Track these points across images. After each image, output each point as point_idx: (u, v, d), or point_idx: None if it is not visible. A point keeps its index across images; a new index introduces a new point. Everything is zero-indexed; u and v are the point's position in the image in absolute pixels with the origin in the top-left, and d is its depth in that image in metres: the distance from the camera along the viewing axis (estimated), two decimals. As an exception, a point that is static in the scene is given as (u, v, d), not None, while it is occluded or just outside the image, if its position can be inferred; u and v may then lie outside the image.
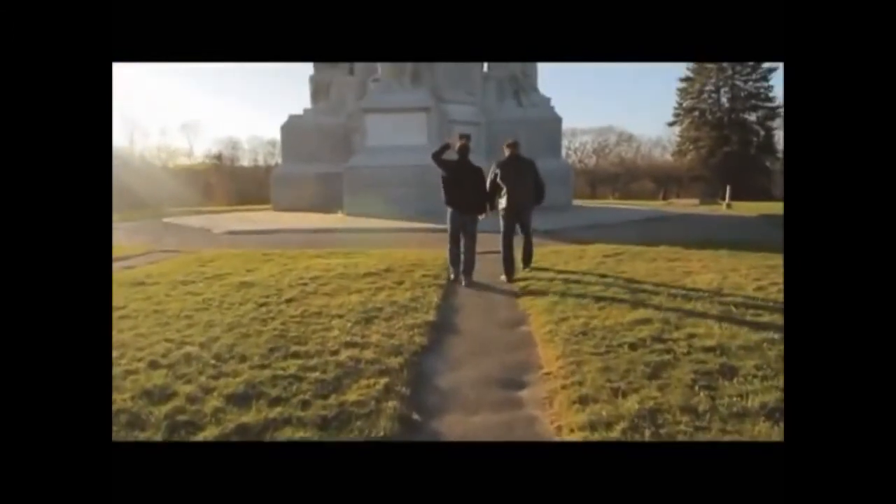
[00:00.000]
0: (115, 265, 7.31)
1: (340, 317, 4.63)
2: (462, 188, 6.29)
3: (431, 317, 4.68)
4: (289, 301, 5.20)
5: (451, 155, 6.46)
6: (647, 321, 4.33)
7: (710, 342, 3.78)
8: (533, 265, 6.95)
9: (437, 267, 6.97)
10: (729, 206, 20.73)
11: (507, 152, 6.74)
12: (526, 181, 6.66)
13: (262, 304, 5.09)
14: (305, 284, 5.93)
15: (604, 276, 6.35)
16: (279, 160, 22.17)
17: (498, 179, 6.56)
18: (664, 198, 36.09)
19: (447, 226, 6.52)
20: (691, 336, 3.95)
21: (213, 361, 3.59)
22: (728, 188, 22.03)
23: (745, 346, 3.72)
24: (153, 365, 3.52)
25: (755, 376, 3.20)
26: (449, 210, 6.44)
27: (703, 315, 4.52)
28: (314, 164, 17.94)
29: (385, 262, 7.23)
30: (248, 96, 71.39)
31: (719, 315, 4.50)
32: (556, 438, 2.73)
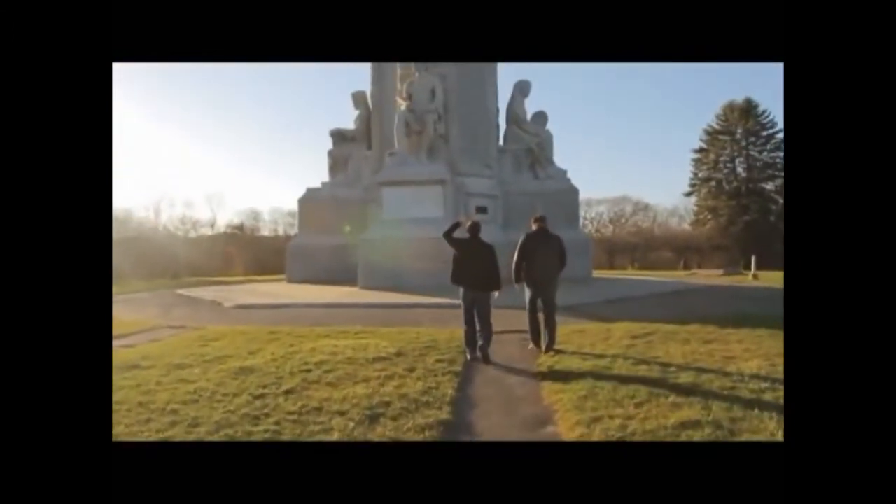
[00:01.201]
0: (115, 343, 6.95)
1: (342, 414, 4.09)
2: (474, 266, 6.24)
3: (445, 414, 4.12)
4: (287, 393, 4.70)
5: (462, 233, 6.51)
6: (695, 424, 3.70)
7: (777, 456, 3.17)
8: (557, 347, 6.44)
9: (452, 349, 6.45)
10: (755, 276, 20.02)
11: (534, 226, 6.80)
12: (552, 255, 6.66)
13: (257, 396, 4.60)
14: (309, 371, 5.45)
15: (636, 361, 5.76)
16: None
17: (524, 251, 6.53)
18: (685, 267, 35.37)
19: (461, 305, 6.39)
20: (752, 446, 3.34)
21: (189, 475, 3.08)
22: (753, 258, 21.35)
23: (820, 460, 3.10)
24: (119, 480, 3.02)
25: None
26: (461, 289, 6.34)
27: (760, 413, 3.90)
28: (330, 236, 17.85)
29: (397, 344, 6.74)
30: (270, 169, 73.90)
31: (778, 415, 3.88)
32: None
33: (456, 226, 6.57)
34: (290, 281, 17.99)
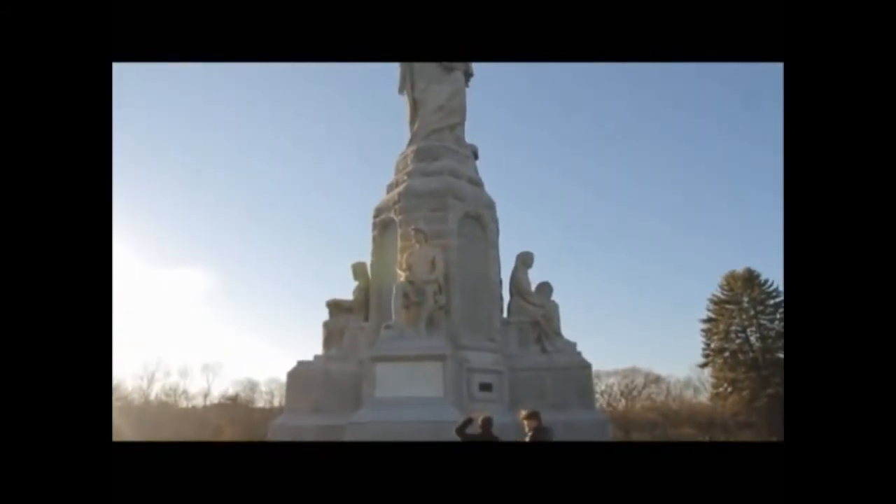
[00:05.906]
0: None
1: None
2: None
3: None
4: None
5: (475, 428, 6.40)
6: None
7: None
8: None
9: None
10: (800, 465, 17.55)
11: (527, 426, 6.31)
12: None
13: None
14: None
15: None
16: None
17: None
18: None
19: None
20: None
21: None
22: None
23: None
24: None
25: None
26: None
27: None
28: (318, 415, 16.03)
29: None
30: (270, 338, 73.16)
31: None
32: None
33: (468, 422, 6.48)
34: (269, 469, 15.81)
